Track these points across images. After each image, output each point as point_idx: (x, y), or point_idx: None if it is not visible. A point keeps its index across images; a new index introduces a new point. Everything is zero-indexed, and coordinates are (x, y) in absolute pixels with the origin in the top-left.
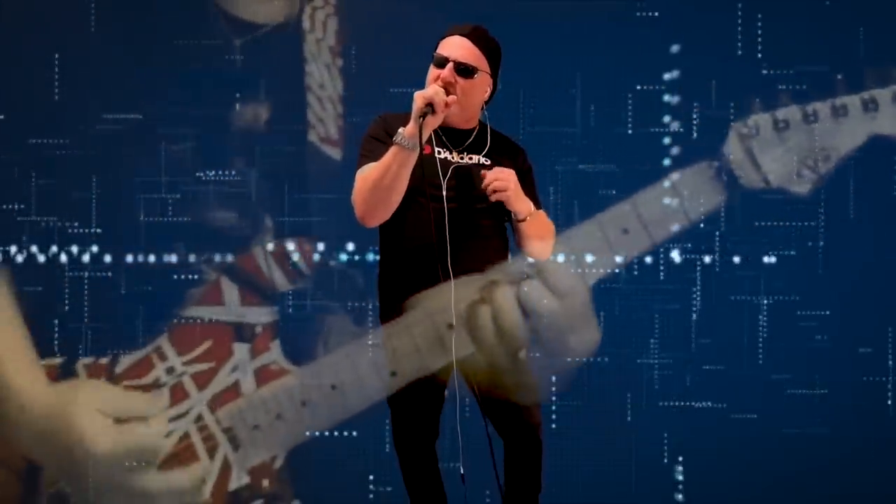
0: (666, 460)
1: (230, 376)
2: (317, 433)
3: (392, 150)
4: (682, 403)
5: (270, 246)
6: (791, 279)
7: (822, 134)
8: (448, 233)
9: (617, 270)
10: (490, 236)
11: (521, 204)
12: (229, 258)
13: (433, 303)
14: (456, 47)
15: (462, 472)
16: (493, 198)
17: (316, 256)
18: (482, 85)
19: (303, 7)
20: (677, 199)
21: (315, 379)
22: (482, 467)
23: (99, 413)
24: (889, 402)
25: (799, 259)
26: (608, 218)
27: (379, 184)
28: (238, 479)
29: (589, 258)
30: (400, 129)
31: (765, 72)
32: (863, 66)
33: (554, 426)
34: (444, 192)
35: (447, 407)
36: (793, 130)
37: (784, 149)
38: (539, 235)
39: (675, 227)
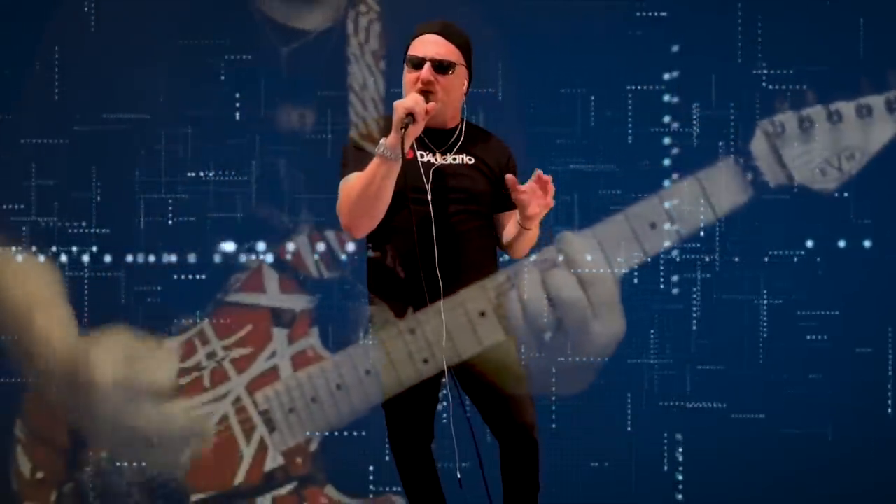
0: (666, 460)
1: (268, 361)
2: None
3: (375, 162)
4: (683, 404)
5: (308, 238)
6: (791, 279)
7: (847, 133)
8: (435, 238)
9: (644, 261)
10: (476, 238)
11: (534, 222)
12: (270, 247)
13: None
14: (430, 45)
15: (459, 476)
16: (529, 222)
17: (351, 247)
18: (461, 80)
19: (346, 13)
20: (702, 196)
21: (349, 364)
22: (480, 470)
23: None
24: (889, 402)
25: (799, 259)
26: (635, 213)
27: (363, 195)
28: (273, 461)
29: (616, 253)
30: (382, 140)
31: (765, 72)
32: (865, 69)
33: (554, 426)
34: (430, 196)
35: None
36: (818, 129)
37: (808, 147)
38: (531, 240)
39: (701, 224)
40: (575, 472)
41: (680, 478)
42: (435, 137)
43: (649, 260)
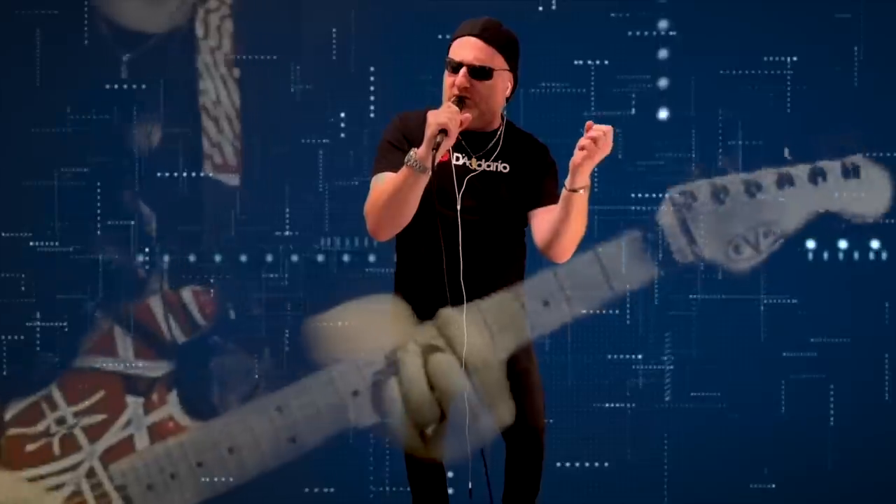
0: (666, 460)
1: (123, 431)
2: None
3: (403, 172)
4: (683, 404)
5: (166, 295)
6: (791, 278)
7: (766, 206)
8: (461, 246)
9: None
10: (506, 250)
11: (587, 172)
12: (122, 306)
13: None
14: (468, 49)
15: (470, 486)
16: (576, 178)
17: (213, 305)
18: (501, 84)
19: (195, 12)
20: (601, 273)
21: (210, 440)
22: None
23: None
24: (887, 399)
25: (798, 258)
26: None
27: (388, 203)
28: None
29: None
30: (412, 152)
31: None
32: (789, 136)
33: (552, 421)
34: (458, 204)
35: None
36: (732, 200)
37: (721, 220)
38: (579, 218)
39: (599, 299)
40: (575, 472)
41: (680, 478)
42: (473, 141)
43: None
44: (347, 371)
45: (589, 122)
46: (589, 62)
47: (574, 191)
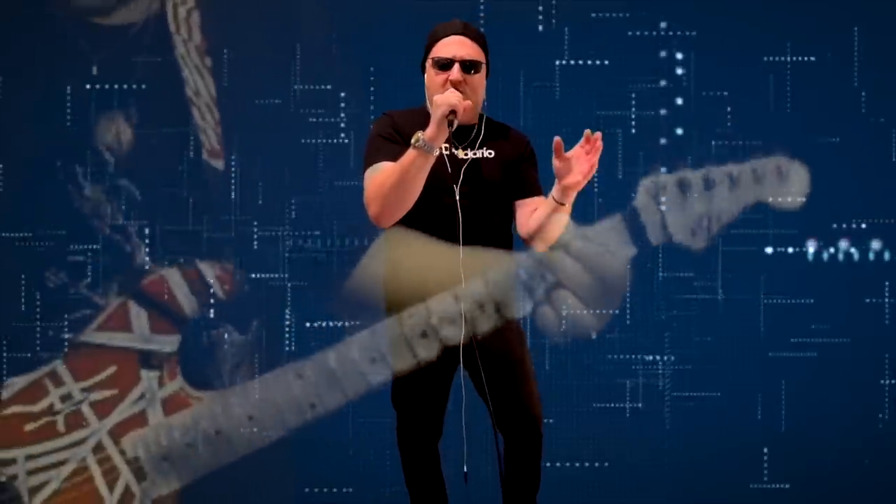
0: (666, 460)
1: (136, 405)
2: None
3: (410, 154)
4: (682, 404)
5: (182, 269)
6: (791, 278)
7: (717, 197)
8: (460, 230)
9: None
10: (498, 232)
11: (572, 194)
12: (136, 283)
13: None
14: (458, 46)
15: (465, 470)
16: (568, 193)
17: (226, 279)
18: (484, 79)
19: (164, 5)
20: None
21: (230, 408)
22: (483, 466)
23: None
24: (887, 399)
25: (798, 258)
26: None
27: (395, 186)
28: None
29: None
30: (419, 133)
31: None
32: (735, 137)
33: (551, 420)
34: (456, 190)
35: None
36: (695, 193)
37: (685, 208)
38: (563, 221)
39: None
40: (575, 472)
41: (680, 478)
42: (457, 132)
43: None
44: (365, 338)
45: (587, 132)
46: (590, 62)
47: (562, 204)
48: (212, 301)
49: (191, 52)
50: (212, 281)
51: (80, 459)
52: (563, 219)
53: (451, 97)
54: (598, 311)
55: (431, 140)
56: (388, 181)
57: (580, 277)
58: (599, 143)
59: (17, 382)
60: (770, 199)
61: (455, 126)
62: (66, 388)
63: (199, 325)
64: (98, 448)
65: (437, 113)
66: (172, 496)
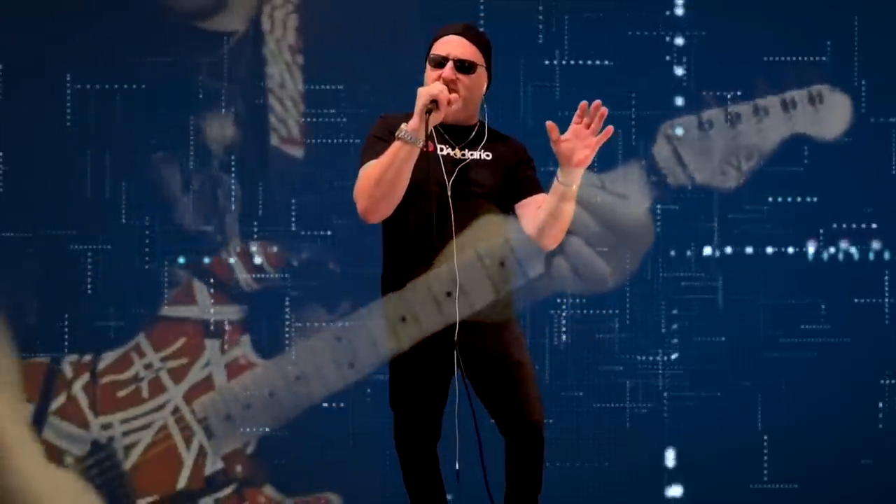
0: (666, 460)
1: (203, 370)
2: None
3: (394, 146)
4: (682, 404)
5: (237, 249)
6: (791, 278)
7: (744, 134)
8: (454, 230)
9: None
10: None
11: (580, 171)
12: (201, 261)
13: (431, 274)
14: (454, 45)
15: (457, 468)
16: (573, 176)
17: (280, 257)
18: (481, 80)
19: (261, 9)
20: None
21: (280, 371)
22: (486, 467)
23: None
24: (887, 399)
25: (798, 258)
26: None
27: (381, 179)
28: (213, 465)
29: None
30: (402, 125)
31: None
32: (762, 70)
33: (551, 421)
34: (449, 188)
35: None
36: (716, 131)
37: (708, 148)
38: (571, 208)
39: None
40: (575, 472)
41: (680, 478)
42: (454, 133)
43: None
44: (397, 298)
45: (583, 104)
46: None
47: (569, 186)
48: (265, 276)
49: (283, 50)
50: (261, 260)
51: (162, 421)
52: (572, 204)
53: (434, 88)
54: (615, 265)
55: (413, 131)
56: (374, 174)
57: (596, 227)
58: (603, 110)
59: (110, 355)
60: (807, 131)
61: (432, 115)
62: (147, 358)
63: (255, 297)
64: (175, 411)
65: (418, 103)
66: (238, 452)
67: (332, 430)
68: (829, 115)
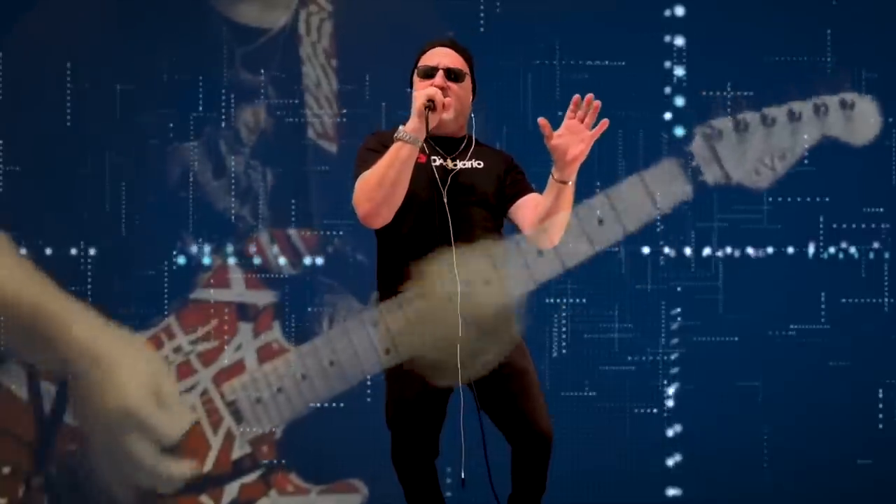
0: (666, 460)
1: (234, 354)
2: (316, 405)
3: (394, 147)
4: (682, 404)
5: (270, 236)
6: (791, 277)
7: (778, 136)
8: (452, 238)
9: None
10: (490, 239)
11: (576, 167)
12: (236, 246)
13: (429, 279)
14: (442, 56)
15: (463, 476)
16: (569, 170)
17: (314, 244)
18: (469, 90)
19: (298, 13)
20: (648, 191)
21: (313, 355)
22: (483, 471)
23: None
24: (881, 396)
25: (798, 258)
26: (584, 209)
27: (383, 181)
28: (240, 449)
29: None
30: (400, 126)
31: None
32: (794, 76)
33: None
34: (445, 198)
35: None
36: (752, 133)
37: (744, 148)
38: (568, 206)
39: (645, 217)
40: (575, 472)
41: (680, 478)
42: (445, 145)
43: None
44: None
45: (576, 97)
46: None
47: (565, 182)
48: (300, 262)
49: (318, 53)
50: (298, 244)
51: (191, 404)
52: (569, 200)
53: (429, 89)
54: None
55: (413, 131)
56: (375, 178)
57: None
58: (597, 103)
59: (141, 337)
60: (838, 135)
61: (429, 114)
62: (176, 340)
63: (289, 282)
64: (203, 393)
65: (415, 104)
66: (266, 437)
67: (359, 419)
68: (860, 121)
